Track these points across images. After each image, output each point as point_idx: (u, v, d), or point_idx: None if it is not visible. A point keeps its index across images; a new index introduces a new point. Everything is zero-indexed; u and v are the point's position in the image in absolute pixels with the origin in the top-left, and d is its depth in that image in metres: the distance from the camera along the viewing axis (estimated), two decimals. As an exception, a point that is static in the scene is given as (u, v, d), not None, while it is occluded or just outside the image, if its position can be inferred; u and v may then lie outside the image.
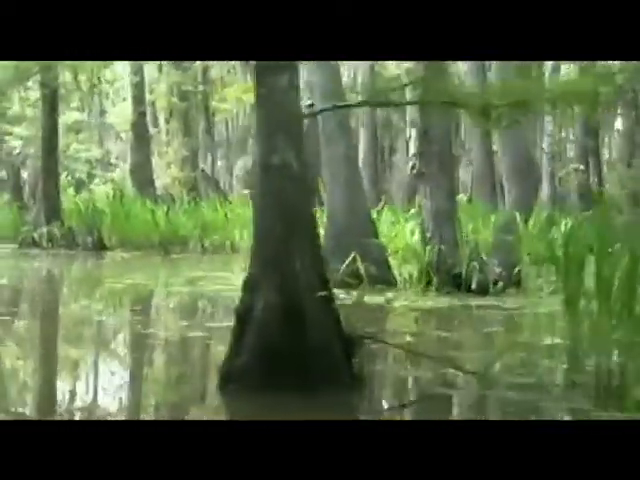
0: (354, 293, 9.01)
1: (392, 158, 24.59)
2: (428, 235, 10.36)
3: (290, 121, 4.95)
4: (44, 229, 17.94)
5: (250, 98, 28.70)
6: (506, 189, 18.41)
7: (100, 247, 17.49)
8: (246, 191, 27.10)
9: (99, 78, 27.92)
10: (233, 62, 28.39)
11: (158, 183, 24.70)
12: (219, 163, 30.13)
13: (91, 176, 30.66)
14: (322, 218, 12.19)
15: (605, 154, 23.93)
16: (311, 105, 13.28)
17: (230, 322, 7.22)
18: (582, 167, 18.53)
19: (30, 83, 20.75)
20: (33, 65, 17.86)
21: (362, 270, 9.43)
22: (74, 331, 7.08)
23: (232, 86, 28.87)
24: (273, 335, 4.71)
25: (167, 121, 27.36)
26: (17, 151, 22.71)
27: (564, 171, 20.19)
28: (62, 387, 5.15)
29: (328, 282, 5.00)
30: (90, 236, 17.65)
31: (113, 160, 29.93)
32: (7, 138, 24.59)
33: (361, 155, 15.16)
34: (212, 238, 18.14)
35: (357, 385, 4.79)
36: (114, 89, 26.77)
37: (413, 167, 14.36)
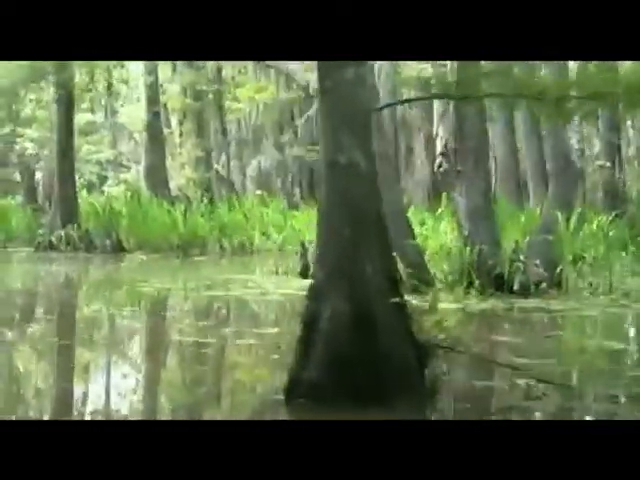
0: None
1: (410, 157, 24.25)
2: (465, 235, 10.06)
3: (357, 117, 4.64)
4: (61, 232, 17.65)
5: (263, 97, 28.71)
6: (530, 187, 18.18)
7: (119, 249, 17.22)
8: (259, 191, 26.85)
9: (111, 78, 27.71)
10: (243, 62, 28.21)
11: (172, 184, 24.43)
12: (232, 163, 29.80)
13: (102, 177, 30.43)
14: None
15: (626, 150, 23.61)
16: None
17: (273, 328, 7.03)
18: (608, 164, 18.20)
19: (43, 84, 20.49)
20: (47, 65, 17.62)
21: (402, 272, 9.09)
22: (121, 339, 6.78)
23: (244, 86, 28.62)
24: (342, 345, 4.41)
25: (180, 122, 27.10)
26: (31, 153, 22.43)
27: (590, 168, 19.86)
28: (126, 404, 4.85)
29: (399, 287, 4.70)
30: (108, 238, 17.35)
31: (126, 161, 29.64)
32: (20, 139, 24.36)
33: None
34: (231, 239, 17.86)
35: (432, 396, 4.50)
36: (127, 89, 26.49)
37: (440, 165, 14.08)
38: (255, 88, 28.71)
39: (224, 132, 26.63)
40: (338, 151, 4.56)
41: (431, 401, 4.45)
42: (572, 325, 7.70)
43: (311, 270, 11.80)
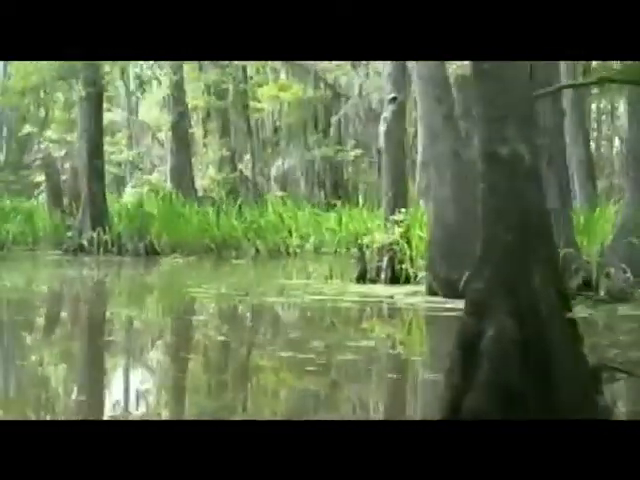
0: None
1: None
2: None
3: (520, 104, 4.05)
4: (93, 234, 17.10)
5: (286, 97, 28.15)
6: (577, 185, 17.50)
7: (152, 252, 16.66)
8: (279, 193, 26.29)
9: (126, 78, 27.16)
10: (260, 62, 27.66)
11: (197, 184, 23.91)
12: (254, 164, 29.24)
13: (119, 178, 29.88)
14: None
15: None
16: (394, 99, 12.40)
17: (366, 341, 6.44)
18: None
19: (70, 82, 19.94)
20: (77, 63, 17.09)
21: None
22: (222, 356, 6.15)
23: (265, 85, 28.09)
24: (511, 369, 3.81)
25: (204, 121, 26.57)
26: (57, 154, 21.87)
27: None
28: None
29: (569, 299, 4.10)
30: (141, 241, 16.79)
31: (149, 162, 29.10)
32: (44, 139, 23.84)
33: (420, 149, 14.13)
34: (267, 241, 17.30)
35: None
36: (152, 89, 25.93)
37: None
38: (278, 87, 28.19)
39: (249, 131, 26.06)
40: (499, 142, 3.97)
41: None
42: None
43: (370, 275, 11.41)
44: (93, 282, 12.50)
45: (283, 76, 29.16)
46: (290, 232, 17.67)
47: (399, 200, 11.66)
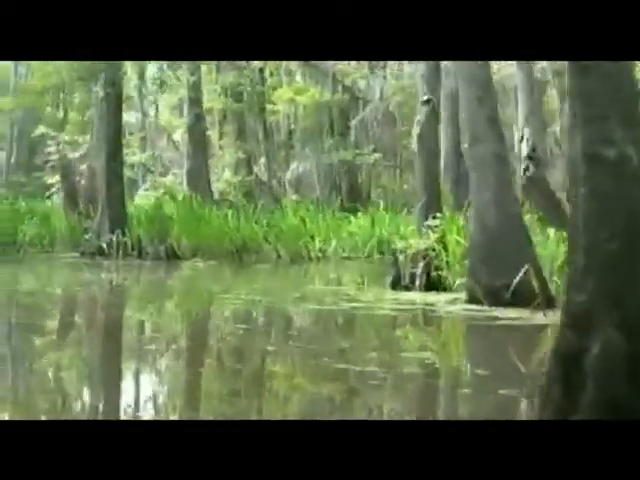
0: (529, 313, 7.87)
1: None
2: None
3: (624, 102, 3.76)
4: (112, 237, 16.83)
5: (302, 100, 27.87)
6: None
7: (172, 256, 16.36)
8: (294, 196, 26.03)
9: (142, 78, 26.91)
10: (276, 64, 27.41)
11: (213, 187, 23.61)
12: (270, 167, 28.99)
13: (132, 181, 29.62)
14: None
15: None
16: (428, 101, 12.11)
17: (421, 352, 6.14)
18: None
19: (88, 83, 19.70)
20: (98, 63, 16.85)
21: (537, 286, 8.19)
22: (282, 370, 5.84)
23: (280, 88, 27.83)
24: (618, 386, 3.52)
25: (220, 123, 26.32)
26: (72, 155, 21.60)
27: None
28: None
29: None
30: (161, 244, 16.50)
31: (163, 164, 28.85)
32: (58, 140, 23.58)
33: (443, 153, 13.88)
34: (289, 246, 16.99)
35: None
36: (168, 90, 25.68)
37: (527, 169, 13.17)
38: (294, 89, 27.93)
39: (265, 134, 25.79)
40: (604, 143, 3.68)
41: None
42: None
43: (404, 281, 11.10)
44: (119, 286, 12.22)
45: (299, 78, 28.93)
46: (312, 236, 17.36)
47: (433, 205, 11.37)
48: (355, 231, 18.06)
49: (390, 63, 26.21)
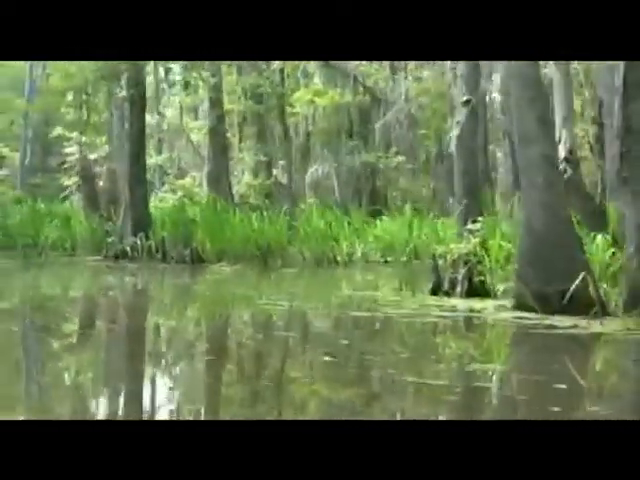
0: (586, 322, 7.57)
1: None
2: (631, 250, 8.83)
3: None
4: (136, 240, 16.58)
5: (322, 102, 27.57)
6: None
7: (197, 259, 16.10)
8: (311, 199, 25.74)
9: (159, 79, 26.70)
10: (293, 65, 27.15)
11: (233, 190, 23.36)
12: (291, 170, 28.70)
13: (151, 184, 29.37)
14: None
15: None
16: (468, 101, 11.83)
17: (488, 364, 5.84)
18: None
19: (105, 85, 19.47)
20: (121, 63, 16.63)
21: (593, 293, 7.88)
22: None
23: (298, 90, 27.57)
24: None
25: (239, 125, 26.07)
26: (93, 157, 21.38)
27: None
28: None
29: None
30: (186, 248, 16.22)
31: (179, 166, 28.61)
32: (74, 142, 23.35)
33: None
34: (315, 249, 16.72)
35: None
36: (189, 91, 25.50)
37: (565, 171, 12.83)
38: (313, 91, 27.67)
39: (286, 137, 25.51)
40: None
41: None
42: None
43: (444, 287, 10.80)
44: (150, 290, 11.96)
45: (317, 80, 28.67)
46: (337, 240, 17.08)
47: (473, 208, 11.07)
48: (381, 235, 17.79)
49: (411, 64, 25.95)
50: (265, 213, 18.51)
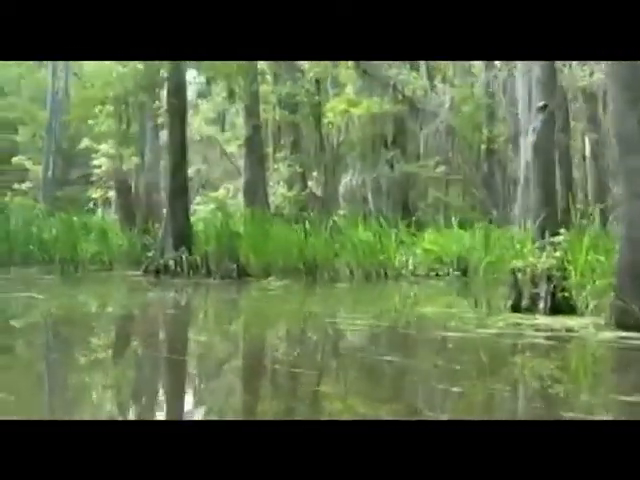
0: None
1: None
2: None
3: None
4: (178, 254, 15.99)
5: (357, 111, 26.97)
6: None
7: (243, 274, 15.50)
8: (342, 211, 25.14)
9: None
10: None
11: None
12: (326, 181, 28.13)
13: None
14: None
15: None
16: (545, 106, 11.19)
17: (624, 396, 5.18)
18: None
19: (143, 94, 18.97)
20: (162, 70, 16.12)
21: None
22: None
23: (332, 99, 27.06)
24: None
25: (274, 135, 25.52)
26: (127, 168, 20.89)
27: None
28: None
29: None
30: (232, 262, 15.62)
31: (211, 177, 28.11)
32: (107, 154, 22.88)
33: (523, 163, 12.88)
34: (364, 263, 16.08)
35: None
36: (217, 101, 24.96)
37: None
38: (347, 100, 27.13)
39: (322, 147, 24.94)
40: None
41: None
42: None
43: (523, 303, 10.15)
44: (205, 308, 11.34)
45: (349, 89, 28.15)
46: (386, 252, 16.45)
47: (552, 220, 10.41)
48: (430, 247, 17.15)
49: (450, 72, 25.38)
50: (308, 225, 17.93)
